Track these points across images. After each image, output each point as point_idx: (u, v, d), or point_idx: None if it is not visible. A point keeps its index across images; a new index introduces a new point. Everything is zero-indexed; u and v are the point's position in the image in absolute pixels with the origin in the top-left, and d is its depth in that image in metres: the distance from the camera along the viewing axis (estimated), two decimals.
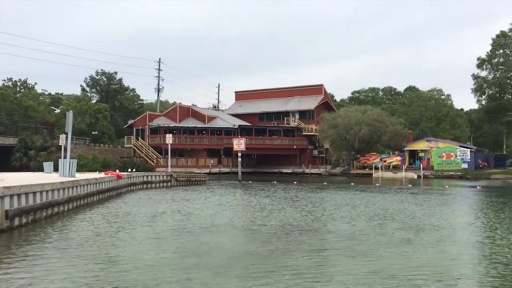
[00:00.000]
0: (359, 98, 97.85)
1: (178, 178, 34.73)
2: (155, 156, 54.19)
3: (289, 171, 56.99)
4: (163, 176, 33.49)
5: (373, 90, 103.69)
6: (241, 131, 58.44)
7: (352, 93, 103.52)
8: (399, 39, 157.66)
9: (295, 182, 38.23)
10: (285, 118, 64.88)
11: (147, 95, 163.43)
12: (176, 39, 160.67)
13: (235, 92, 77.19)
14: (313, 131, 61.66)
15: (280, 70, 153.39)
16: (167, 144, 42.11)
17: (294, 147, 61.01)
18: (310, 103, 66.05)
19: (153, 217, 15.81)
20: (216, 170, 54.08)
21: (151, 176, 32.30)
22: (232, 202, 21.82)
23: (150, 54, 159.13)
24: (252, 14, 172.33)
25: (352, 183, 37.09)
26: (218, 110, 73.36)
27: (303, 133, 62.07)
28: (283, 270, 8.57)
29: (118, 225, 13.82)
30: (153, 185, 31.37)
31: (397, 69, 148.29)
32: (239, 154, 41.75)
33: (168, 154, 43.45)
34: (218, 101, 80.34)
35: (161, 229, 13.24)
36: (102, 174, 25.68)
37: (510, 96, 54.92)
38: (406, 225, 14.05)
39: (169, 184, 33.32)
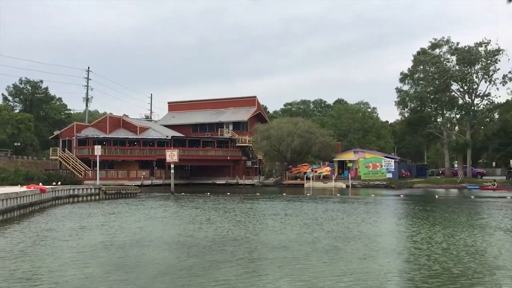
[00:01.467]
0: (291, 110, 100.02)
1: (107, 191, 33.43)
2: (83, 169, 51.90)
3: (223, 182, 56.83)
4: (91, 189, 32.08)
5: (304, 102, 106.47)
6: (174, 142, 57.54)
7: (284, 105, 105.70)
8: (329, 54, 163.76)
9: (228, 193, 38.15)
10: (219, 129, 64.77)
11: (75, 105, 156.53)
12: (105, 48, 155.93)
13: (169, 103, 76.05)
14: (247, 142, 62.03)
15: (214, 82, 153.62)
16: (96, 155, 40.50)
17: (228, 158, 61.00)
18: (243, 114, 66.48)
19: (78, 231, 15.04)
20: (148, 182, 52.73)
21: (78, 189, 30.84)
22: (163, 214, 21.31)
23: (78, 62, 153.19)
24: (185, 26, 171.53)
25: (284, 193, 37.62)
26: (151, 121, 71.77)
27: (237, 144, 62.25)
28: (212, 282, 8.43)
29: (38, 241, 12.98)
30: (80, 199, 29.94)
31: (327, 83, 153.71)
32: (172, 166, 41.02)
33: (97, 166, 41.75)
34: (151, 112, 78.68)
35: (86, 243, 12.60)
36: (24, 188, 24.13)
37: (429, 109, 58.48)
38: (335, 234, 14.40)
39: (97, 197, 31.96)
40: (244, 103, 69.14)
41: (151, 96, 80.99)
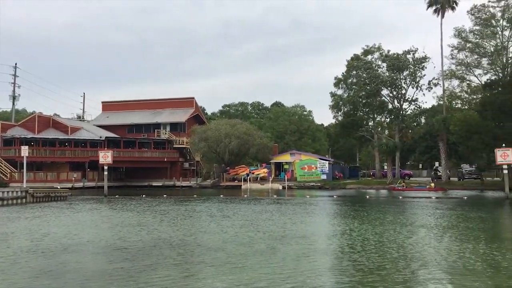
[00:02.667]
0: (230, 112, 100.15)
1: (35, 194, 31.61)
2: (9, 170, 48.85)
3: (160, 184, 55.70)
4: (17, 192, 30.21)
5: (242, 104, 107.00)
6: (109, 143, 55.64)
7: (222, 107, 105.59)
8: (267, 58, 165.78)
9: (165, 195, 37.44)
10: (155, 130, 63.45)
11: (1, 104, 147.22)
12: (34, 44, 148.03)
13: (102, 102, 73.39)
14: (184, 143, 61.29)
15: (151, 82, 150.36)
16: (23, 156, 38.25)
17: (165, 159, 59.93)
18: (181, 115, 65.63)
19: (1, 237, 14.08)
20: (80, 184, 50.56)
21: (3, 192, 28.92)
22: (95, 218, 20.49)
23: (6, 59, 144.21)
24: (121, 24, 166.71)
25: (221, 195, 37.52)
26: (83, 121, 68.92)
27: (174, 146, 61.32)
28: (146, 286, 8.20)
29: None
30: (5, 202, 28.10)
31: (264, 86, 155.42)
32: (106, 167, 39.61)
33: (23, 168, 39.45)
34: (83, 112, 75.65)
35: (11, 249, 11.83)
36: None
37: (362, 113, 60.85)
38: (271, 234, 14.54)
39: (24, 200, 30.12)
40: (182, 104, 68.28)
41: (84, 95, 77.93)
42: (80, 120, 68.65)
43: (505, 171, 32.11)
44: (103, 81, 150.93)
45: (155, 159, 59.24)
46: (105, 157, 39.03)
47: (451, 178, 52.42)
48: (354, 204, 27.94)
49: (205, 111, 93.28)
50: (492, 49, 49.77)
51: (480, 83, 50.30)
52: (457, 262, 10.25)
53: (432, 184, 44.36)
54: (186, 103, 68.39)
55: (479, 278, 8.81)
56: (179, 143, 61.35)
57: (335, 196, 35.61)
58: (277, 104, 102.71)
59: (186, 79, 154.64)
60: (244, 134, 55.74)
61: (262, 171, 55.32)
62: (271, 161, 59.00)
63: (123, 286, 8.24)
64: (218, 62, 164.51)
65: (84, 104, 77.84)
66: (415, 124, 61.92)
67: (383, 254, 11.24)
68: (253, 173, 54.57)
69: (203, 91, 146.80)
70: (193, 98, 69.26)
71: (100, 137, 55.78)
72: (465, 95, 54.42)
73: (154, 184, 55.57)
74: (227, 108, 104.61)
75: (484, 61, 50.86)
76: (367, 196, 35.69)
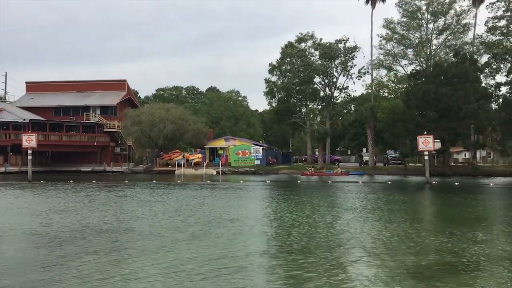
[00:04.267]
0: (164, 96, 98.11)
1: None
2: None
3: (89, 169, 53.66)
4: None
5: (177, 88, 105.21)
6: (33, 126, 52.65)
7: (156, 91, 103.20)
8: (202, 42, 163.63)
9: (94, 181, 36.15)
10: (84, 113, 60.82)
11: None
12: None
13: (26, 83, 68.96)
14: (116, 127, 59.37)
15: (81, 64, 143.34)
16: None
17: (95, 144, 57.75)
18: (112, 98, 63.36)
19: None
20: (1, 169, 47.54)
21: None
22: (18, 205, 19.36)
23: None
24: (50, 5, 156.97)
25: (154, 180, 36.87)
26: (5, 102, 64.52)
27: (105, 130, 59.23)
28: (69, 275, 7.91)
29: None
30: None
31: (200, 70, 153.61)
32: (30, 152, 37.47)
33: None
34: (5, 92, 70.69)
35: None
36: None
37: (295, 100, 62.00)
38: (205, 219, 14.53)
39: None
40: (113, 87, 65.88)
41: (6, 75, 72.82)
42: (2, 101, 64.22)
43: (426, 157, 34.13)
44: (27, 61, 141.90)
45: (84, 143, 56.95)
46: (29, 140, 36.92)
47: (377, 164, 55.09)
48: (285, 189, 28.57)
49: (138, 95, 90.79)
50: (417, 41, 52.54)
51: (405, 73, 53.05)
52: (379, 242, 10.83)
53: (339, 170, 46.44)
54: (117, 86, 66.07)
55: (399, 257, 9.36)
56: (110, 127, 59.35)
57: (268, 181, 36.18)
58: (212, 89, 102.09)
59: (118, 61, 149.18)
60: (179, 118, 55.00)
61: (197, 156, 55.01)
62: (206, 146, 58.81)
63: (47, 274, 7.89)
64: (153, 45, 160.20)
65: (6, 84, 72.78)
66: (345, 111, 64.15)
67: (311, 235, 11.62)
68: (187, 158, 54.10)
69: (136, 74, 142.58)
70: (125, 80, 67.06)
71: (24, 119, 52.66)
72: (392, 84, 57.19)
73: (83, 169, 53.50)
74: (161, 92, 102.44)
75: (410, 52, 53.72)
76: (299, 181, 36.60)
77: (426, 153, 33.95)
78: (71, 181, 36.05)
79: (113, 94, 64.50)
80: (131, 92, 69.56)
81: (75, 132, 57.42)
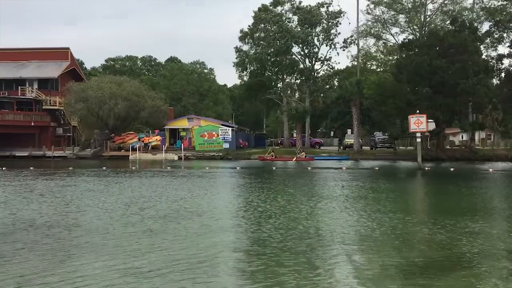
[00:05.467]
0: (115, 68, 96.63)
1: None
2: None
3: (25, 154, 52.67)
4: None
5: (131, 59, 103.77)
6: None
7: (106, 61, 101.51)
8: (160, 5, 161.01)
9: (32, 168, 35.52)
10: (19, 87, 59.31)
11: None
12: None
13: None
14: (57, 104, 58.22)
15: (13, 28, 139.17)
16: None
17: (32, 124, 56.57)
18: (53, 70, 61.93)
19: None
20: None
21: None
22: None
23: None
24: None
25: (104, 167, 36.50)
26: None
27: (44, 107, 57.99)
28: (4, 276, 7.84)
29: None
30: None
31: (157, 38, 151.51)
32: None
33: None
34: None
35: None
36: None
37: (270, 73, 62.12)
38: (163, 212, 14.53)
39: None
40: (54, 56, 64.30)
41: None
42: None
43: (418, 140, 34.83)
44: None
45: (19, 123, 55.69)
46: None
47: (363, 147, 55.94)
48: (258, 177, 28.76)
49: (84, 66, 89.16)
50: (410, 5, 52.98)
51: (396, 42, 53.65)
52: (363, 235, 11.10)
53: (303, 154, 47.66)
54: (59, 55, 64.54)
55: (387, 252, 9.63)
56: (50, 103, 58.20)
57: (238, 168, 36.33)
58: (172, 60, 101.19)
59: (59, 26, 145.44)
60: (133, 94, 54.37)
61: (155, 139, 54.69)
62: (166, 127, 58.46)
63: None
64: (101, 7, 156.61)
65: None
66: (327, 87, 64.72)
67: (287, 228, 11.79)
68: (143, 141, 53.65)
69: (81, 41, 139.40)
70: (68, 48, 65.60)
71: None
72: (381, 55, 57.90)
73: (18, 154, 52.53)
74: (112, 63, 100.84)
75: (401, 19, 54.21)
76: (274, 168, 36.88)
77: (418, 134, 34.62)
78: (3, 168, 35.34)
79: (54, 64, 63.03)
80: (75, 62, 68.16)
81: (7, 110, 56.07)
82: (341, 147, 56.17)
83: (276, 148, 59.46)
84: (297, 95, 67.12)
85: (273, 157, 47.12)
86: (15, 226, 12.31)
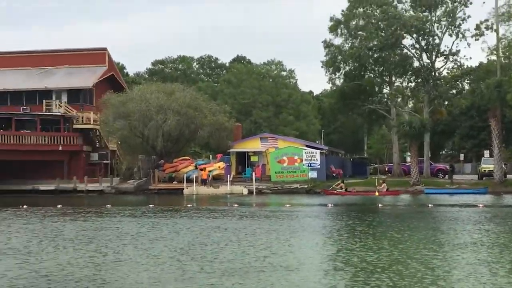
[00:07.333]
0: (164, 72, 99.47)
1: None
2: None
3: (52, 187, 54.77)
4: None
5: (185, 60, 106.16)
6: None
7: (153, 64, 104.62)
8: None
9: (59, 206, 36.79)
10: (43, 100, 62.02)
11: None
12: None
13: None
14: (91, 122, 60.29)
15: (39, 27, 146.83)
16: None
17: (60, 148, 58.73)
18: (86, 77, 64.31)
19: None
20: None
21: None
22: None
23: None
24: None
25: (152, 205, 37.20)
26: None
27: (75, 126, 60.21)
28: None
29: None
30: None
31: (220, 32, 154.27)
32: None
33: None
34: None
35: None
36: None
37: (372, 75, 61.33)
38: (225, 266, 14.49)
39: None
40: (87, 59, 66.90)
41: None
42: None
43: None
44: None
45: (43, 147, 57.99)
46: None
47: (507, 176, 53.75)
48: (359, 218, 28.22)
49: (125, 70, 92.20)
50: None
51: None
52: None
53: (384, 186, 46.03)
54: (94, 58, 67.09)
55: None
56: (82, 121, 60.32)
57: (330, 205, 35.87)
58: (239, 60, 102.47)
59: (94, 21, 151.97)
60: (188, 107, 55.25)
61: (217, 166, 55.17)
62: (231, 150, 58.89)
63: None
64: None
65: None
66: (454, 91, 62.98)
67: None
68: (202, 170, 54.30)
69: (121, 39, 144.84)
70: (105, 49, 68.10)
71: None
72: None
73: (42, 187, 54.68)
74: (160, 66, 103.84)
75: None
76: (380, 205, 36.13)
77: None
78: (24, 206, 36.81)
79: (87, 70, 65.47)
80: (114, 66, 70.59)
81: (29, 131, 58.50)
82: (451, 177, 53.98)
83: (383, 177, 58.37)
84: (410, 104, 65.86)
85: (343, 190, 46.29)
86: (40, 282, 12.63)
